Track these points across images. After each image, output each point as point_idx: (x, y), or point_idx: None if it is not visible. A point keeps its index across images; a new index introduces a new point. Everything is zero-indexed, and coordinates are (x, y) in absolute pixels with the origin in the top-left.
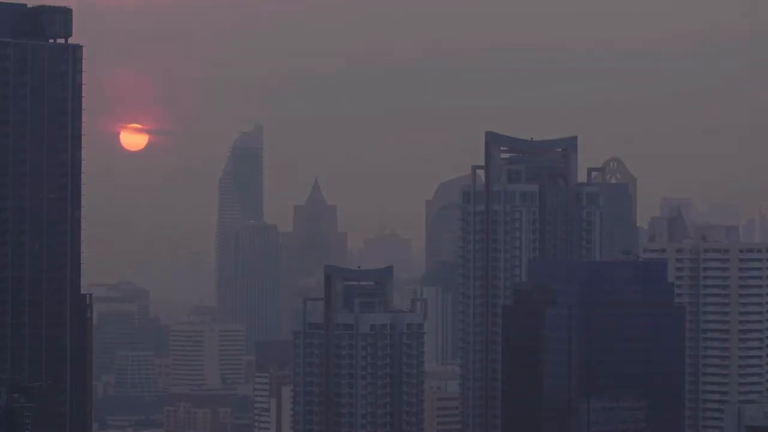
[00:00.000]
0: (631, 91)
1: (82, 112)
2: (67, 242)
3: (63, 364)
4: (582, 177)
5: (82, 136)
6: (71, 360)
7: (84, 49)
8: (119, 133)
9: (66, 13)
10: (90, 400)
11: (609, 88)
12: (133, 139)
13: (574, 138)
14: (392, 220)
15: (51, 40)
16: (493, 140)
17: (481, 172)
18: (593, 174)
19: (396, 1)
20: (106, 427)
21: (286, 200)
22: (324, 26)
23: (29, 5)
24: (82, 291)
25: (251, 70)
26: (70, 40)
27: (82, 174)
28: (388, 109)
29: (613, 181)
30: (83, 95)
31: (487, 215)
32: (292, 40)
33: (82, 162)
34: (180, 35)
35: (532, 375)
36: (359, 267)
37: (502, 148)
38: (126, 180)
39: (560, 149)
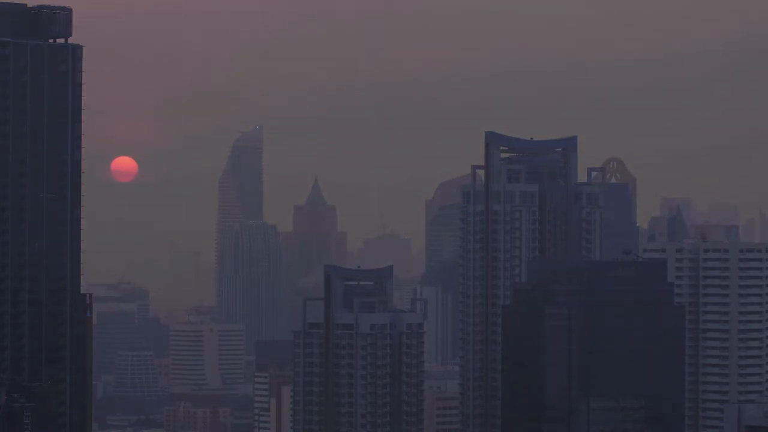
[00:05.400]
0: (631, 91)
1: (82, 112)
2: (67, 242)
3: (63, 364)
4: (582, 177)
5: (82, 136)
6: (71, 360)
7: (84, 49)
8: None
9: (66, 13)
10: (90, 400)
11: (609, 88)
12: (127, 163)
13: (574, 138)
14: (392, 220)
15: (51, 40)
16: (493, 140)
17: (481, 172)
18: (593, 174)
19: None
20: (106, 427)
21: (286, 200)
22: (323, 26)
23: (29, 5)
24: (82, 291)
25: (252, 70)
26: (70, 40)
27: (82, 174)
28: (388, 108)
29: (613, 181)
30: (83, 95)
31: (487, 215)
32: (293, 40)
33: (82, 162)
34: (180, 34)
35: (532, 375)
36: (359, 267)
37: (502, 148)
38: (125, 180)
39: (560, 149)
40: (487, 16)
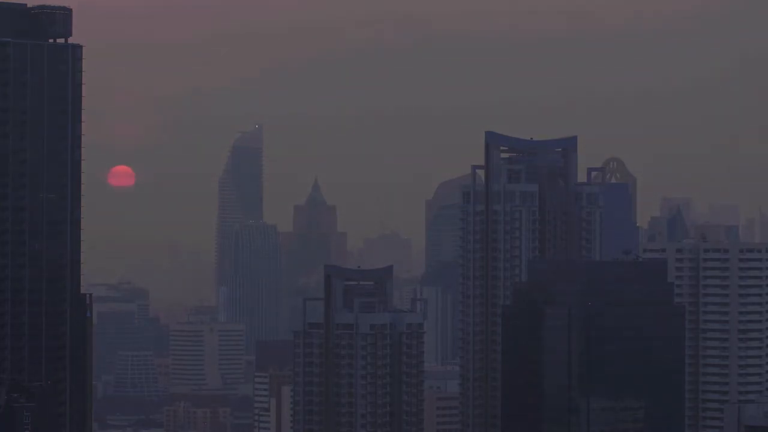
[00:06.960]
0: (631, 91)
1: (82, 112)
2: (67, 242)
3: (63, 364)
4: (582, 177)
5: (82, 136)
6: (71, 360)
7: (84, 49)
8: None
9: (66, 13)
10: (90, 400)
11: (609, 88)
12: (125, 171)
13: (574, 138)
14: (392, 220)
15: (51, 40)
16: (493, 140)
17: (481, 172)
18: (593, 174)
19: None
20: (106, 427)
21: (286, 200)
22: (323, 24)
23: (29, 5)
24: (82, 291)
25: (251, 69)
26: (70, 40)
27: (82, 174)
28: (387, 108)
29: (613, 181)
30: (83, 95)
31: (487, 215)
32: (293, 39)
33: (82, 162)
34: (179, 34)
35: (532, 375)
36: (359, 267)
37: (502, 148)
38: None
39: (560, 149)
40: (487, 15)
